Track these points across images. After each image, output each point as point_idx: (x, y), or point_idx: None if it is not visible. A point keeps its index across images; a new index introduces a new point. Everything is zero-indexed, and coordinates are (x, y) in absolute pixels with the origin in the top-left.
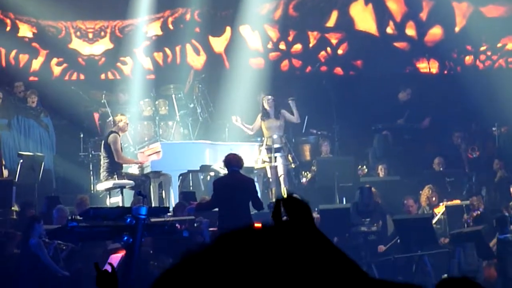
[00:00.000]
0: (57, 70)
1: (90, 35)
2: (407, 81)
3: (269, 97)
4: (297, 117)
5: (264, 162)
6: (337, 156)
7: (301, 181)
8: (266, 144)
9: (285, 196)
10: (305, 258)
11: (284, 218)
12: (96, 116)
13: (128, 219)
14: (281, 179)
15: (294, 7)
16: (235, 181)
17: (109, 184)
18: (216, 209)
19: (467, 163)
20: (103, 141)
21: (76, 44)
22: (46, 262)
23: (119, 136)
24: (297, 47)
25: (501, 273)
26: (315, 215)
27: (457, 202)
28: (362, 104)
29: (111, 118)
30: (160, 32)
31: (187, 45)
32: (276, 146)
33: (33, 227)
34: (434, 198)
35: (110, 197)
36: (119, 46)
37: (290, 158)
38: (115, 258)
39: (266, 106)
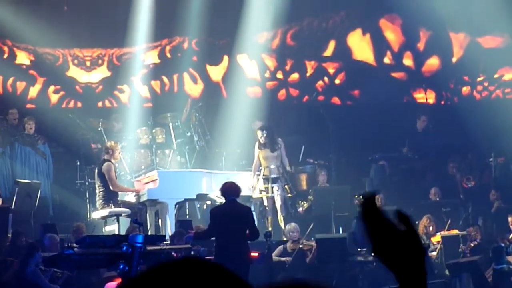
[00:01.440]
0: (54, 98)
1: (88, 63)
2: (404, 111)
3: (264, 132)
4: (285, 159)
5: (261, 191)
6: (334, 185)
7: (298, 210)
8: (263, 174)
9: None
10: None
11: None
12: (94, 146)
13: (124, 247)
14: (278, 207)
15: (291, 36)
16: (232, 209)
17: (105, 212)
18: (213, 238)
19: (463, 193)
20: (96, 170)
21: (74, 71)
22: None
23: (113, 164)
24: (294, 76)
25: None
26: (312, 243)
27: (454, 232)
28: (359, 133)
29: (100, 144)
30: (157, 60)
31: (184, 74)
32: (273, 176)
33: (33, 255)
34: (431, 228)
35: (106, 225)
36: (117, 74)
37: (287, 188)
38: (111, 286)
39: (260, 139)
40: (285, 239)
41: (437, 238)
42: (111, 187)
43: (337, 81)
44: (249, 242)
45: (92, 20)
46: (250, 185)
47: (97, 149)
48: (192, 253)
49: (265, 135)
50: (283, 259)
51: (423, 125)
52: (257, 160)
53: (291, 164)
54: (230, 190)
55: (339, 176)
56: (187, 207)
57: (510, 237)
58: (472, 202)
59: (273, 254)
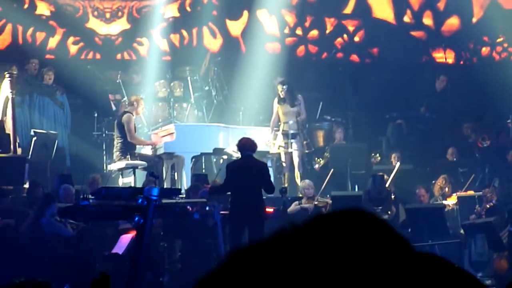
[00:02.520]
0: (73, 49)
1: (108, 15)
2: (423, 70)
3: (284, 86)
4: (304, 114)
5: (280, 147)
6: (350, 143)
7: (314, 167)
8: (282, 130)
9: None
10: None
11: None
12: (111, 96)
13: (140, 200)
14: (295, 164)
15: None
16: (249, 165)
17: (122, 164)
18: (229, 193)
19: (478, 152)
20: (116, 121)
21: (93, 23)
22: (62, 232)
23: (133, 116)
24: (314, 33)
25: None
26: (328, 200)
27: (470, 193)
28: (377, 92)
29: (125, 98)
30: (177, 14)
31: (204, 28)
32: (292, 131)
33: (49, 206)
34: (447, 189)
35: (122, 177)
36: (136, 27)
37: (305, 143)
38: (126, 238)
39: (280, 94)
40: (300, 195)
41: (453, 198)
42: (128, 139)
43: (356, 39)
44: (264, 197)
45: None
46: (268, 141)
47: (115, 100)
48: (208, 208)
49: (285, 89)
50: (304, 205)
51: (442, 85)
52: (275, 116)
53: (309, 120)
54: (246, 145)
55: (356, 133)
56: (203, 161)
57: None
58: (489, 163)
59: (289, 209)
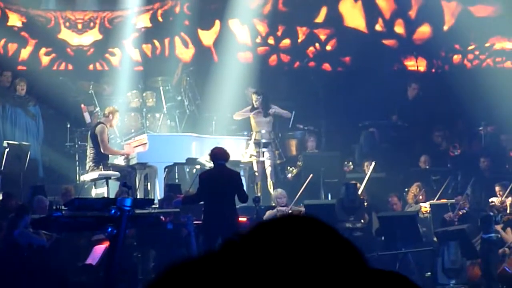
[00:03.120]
0: (45, 60)
1: (79, 26)
2: (395, 78)
3: (258, 96)
4: (287, 112)
5: (251, 156)
6: (323, 151)
7: (287, 176)
8: (254, 139)
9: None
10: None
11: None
12: (85, 108)
13: (113, 210)
14: (268, 173)
15: (283, 2)
16: (221, 174)
17: (95, 174)
18: (202, 202)
19: (450, 161)
20: (89, 132)
21: (65, 34)
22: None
23: (107, 127)
24: (286, 42)
25: (485, 272)
26: (301, 209)
27: (442, 201)
28: (349, 100)
29: (98, 109)
30: (149, 24)
31: (176, 38)
32: (264, 141)
33: (22, 217)
34: (421, 196)
35: (95, 188)
36: (108, 37)
37: (277, 153)
38: (99, 249)
39: (254, 103)
40: (273, 204)
41: (426, 206)
42: (102, 150)
43: (328, 48)
44: (237, 207)
45: None
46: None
47: (88, 112)
48: (182, 220)
49: (260, 99)
50: (281, 208)
51: (414, 93)
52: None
53: (280, 130)
54: (219, 154)
55: (329, 142)
56: (176, 171)
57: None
58: (461, 170)
59: (265, 216)
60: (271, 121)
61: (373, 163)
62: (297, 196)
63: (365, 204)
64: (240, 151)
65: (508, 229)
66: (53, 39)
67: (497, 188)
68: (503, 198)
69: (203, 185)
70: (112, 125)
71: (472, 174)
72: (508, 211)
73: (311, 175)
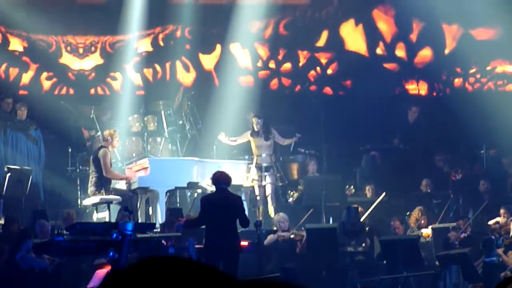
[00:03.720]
0: (47, 84)
1: (81, 50)
2: (397, 102)
3: (259, 120)
4: (286, 141)
5: (253, 180)
6: (324, 175)
7: (288, 200)
8: (256, 163)
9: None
10: None
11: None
12: (86, 132)
13: (114, 235)
14: (269, 198)
15: (284, 26)
16: (223, 198)
17: (96, 199)
18: (203, 226)
19: (451, 185)
20: (92, 156)
21: (67, 58)
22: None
23: (109, 151)
24: (287, 66)
25: None
26: (303, 233)
27: (444, 225)
28: (350, 124)
29: (99, 133)
30: (150, 48)
31: (177, 62)
32: (265, 165)
33: (24, 242)
34: (423, 221)
35: (97, 212)
36: (109, 62)
37: (278, 176)
38: (101, 273)
39: (255, 127)
40: (275, 228)
41: (428, 230)
42: (104, 173)
43: (329, 71)
44: (239, 231)
45: (86, 7)
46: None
47: (89, 136)
48: (182, 243)
49: (261, 123)
50: (281, 234)
51: (414, 116)
52: (243, 141)
53: (282, 154)
54: (220, 178)
55: (330, 166)
56: (178, 195)
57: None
58: (463, 194)
59: (266, 240)
60: (272, 145)
61: (384, 194)
62: (300, 223)
63: (367, 228)
64: (241, 175)
65: (510, 252)
66: (54, 63)
67: (502, 211)
68: (507, 221)
69: (204, 209)
70: (114, 145)
71: (473, 198)
72: (510, 235)
73: (312, 209)
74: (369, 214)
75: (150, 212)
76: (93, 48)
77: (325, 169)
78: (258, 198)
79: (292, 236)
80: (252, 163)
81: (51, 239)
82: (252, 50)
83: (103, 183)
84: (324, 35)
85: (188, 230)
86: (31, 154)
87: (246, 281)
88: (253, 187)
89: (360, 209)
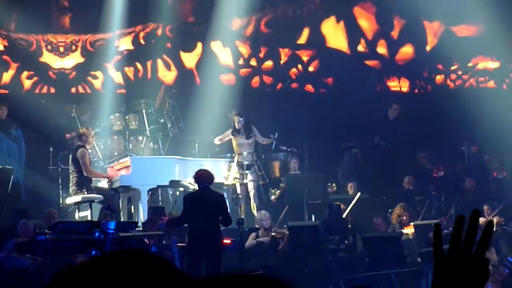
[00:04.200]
0: (27, 83)
1: (61, 49)
2: (379, 99)
3: (240, 118)
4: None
5: (234, 178)
6: (306, 173)
7: (270, 198)
8: (237, 161)
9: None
10: None
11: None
12: (68, 135)
13: (97, 233)
14: (251, 195)
15: (265, 23)
16: (206, 196)
17: (78, 198)
18: (186, 225)
19: (433, 182)
20: (70, 155)
21: (47, 57)
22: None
23: (87, 150)
24: (268, 63)
25: None
26: (285, 231)
27: (426, 221)
28: (332, 121)
29: (74, 132)
30: (131, 47)
31: (158, 60)
32: (246, 163)
33: (5, 241)
34: (405, 217)
35: (79, 211)
36: (90, 60)
37: (260, 174)
38: None
39: (236, 125)
40: (257, 226)
41: (410, 227)
42: (84, 173)
43: (310, 69)
44: (221, 229)
45: (66, 6)
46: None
47: (71, 138)
48: (164, 242)
49: (242, 122)
50: (260, 239)
51: (395, 113)
52: (225, 140)
53: (263, 152)
54: (203, 177)
55: (312, 163)
56: (160, 193)
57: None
58: (445, 190)
59: (246, 243)
60: (253, 143)
61: (359, 194)
62: (278, 220)
63: (349, 225)
64: (223, 173)
65: (492, 248)
66: (35, 62)
67: (485, 207)
68: (489, 218)
69: (187, 207)
70: (90, 142)
71: (455, 195)
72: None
73: (287, 206)
74: (349, 211)
75: (132, 211)
76: (73, 47)
77: (307, 167)
78: (240, 196)
79: (273, 234)
80: (233, 161)
81: (34, 238)
82: (233, 48)
83: (84, 182)
84: (306, 32)
85: (170, 229)
86: (12, 153)
87: (203, 280)
88: (234, 185)
89: (342, 206)
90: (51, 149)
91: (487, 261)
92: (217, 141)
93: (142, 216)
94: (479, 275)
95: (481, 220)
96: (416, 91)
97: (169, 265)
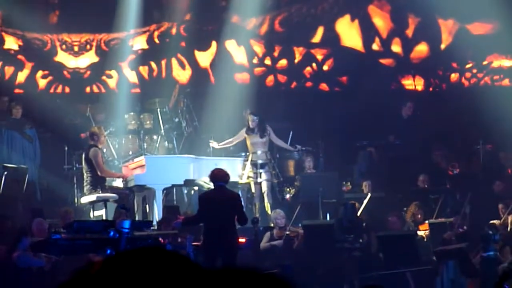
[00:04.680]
0: (42, 83)
1: (76, 48)
2: (393, 98)
3: (254, 117)
4: (281, 143)
5: (249, 177)
6: (321, 172)
7: (285, 197)
8: (251, 160)
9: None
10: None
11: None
12: (83, 135)
13: (112, 233)
14: (265, 195)
15: (280, 22)
16: (221, 196)
17: (93, 197)
18: (201, 224)
19: (448, 180)
20: (83, 155)
21: (62, 57)
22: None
23: (99, 149)
24: (283, 62)
25: None
26: (299, 230)
27: (441, 220)
28: (347, 120)
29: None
30: (146, 46)
31: (172, 59)
32: (260, 162)
33: (20, 240)
34: (419, 216)
35: (93, 210)
36: (105, 60)
37: (273, 173)
38: None
39: (250, 124)
40: (272, 225)
41: (425, 225)
42: (98, 173)
43: (325, 68)
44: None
45: (81, 5)
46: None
47: (86, 137)
48: (179, 240)
49: (256, 120)
50: (273, 243)
51: (409, 112)
52: (236, 138)
53: (278, 151)
54: (219, 176)
55: (327, 162)
56: (174, 193)
57: (498, 223)
58: (460, 189)
59: (262, 242)
60: (267, 142)
61: (369, 195)
62: (292, 219)
63: (364, 224)
64: (238, 172)
65: (507, 248)
66: (49, 62)
67: (500, 206)
68: (504, 216)
69: (203, 206)
70: (102, 141)
71: (471, 193)
72: (508, 229)
73: (300, 205)
74: (363, 210)
75: (147, 210)
76: (88, 46)
77: (322, 166)
78: (254, 195)
79: (287, 232)
80: (247, 160)
81: (49, 237)
82: (248, 47)
83: (98, 182)
84: (320, 31)
85: (185, 228)
86: (26, 153)
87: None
88: (249, 184)
89: (357, 205)
90: (66, 149)
91: None
92: (227, 144)
93: (156, 215)
94: None
95: (497, 222)
96: (430, 89)
97: (191, 262)
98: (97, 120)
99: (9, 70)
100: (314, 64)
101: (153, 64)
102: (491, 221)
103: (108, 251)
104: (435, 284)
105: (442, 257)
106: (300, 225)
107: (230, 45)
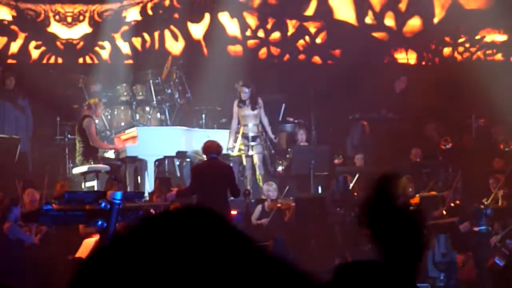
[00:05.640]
0: (35, 54)
1: (69, 19)
2: (385, 71)
3: (246, 89)
4: (266, 121)
5: (240, 150)
6: (313, 145)
7: (277, 169)
8: (242, 132)
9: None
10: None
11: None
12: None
13: (103, 204)
14: (257, 167)
15: None
16: (214, 168)
17: (85, 168)
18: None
19: (441, 154)
20: (77, 125)
21: (55, 27)
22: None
23: (93, 120)
24: (276, 35)
25: (476, 265)
26: (291, 202)
27: (432, 193)
28: (339, 93)
29: (86, 102)
30: (139, 18)
31: (165, 31)
32: (252, 134)
33: (11, 210)
34: (410, 189)
35: (85, 181)
36: (98, 31)
37: (265, 145)
38: (89, 242)
39: (242, 96)
40: (263, 197)
41: (415, 199)
42: (91, 143)
43: (318, 41)
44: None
45: None
46: (228, 145)
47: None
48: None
49: (248, 93)
50: (260, 222)
51: (402, 85)
52: (235, 119)
53: (270, 123)
54: (211, 148)
55: (319, 135)
56: (166, 164)
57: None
58: (452, 163)
59: (252, 216)
60: (259, 114)
61: (357, 175)
62: (284, 192)
63: (356, 197)
64: (230, 144)
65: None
66: (43, 32)
67: (491, 181)
68: (495, 191)
69: (196, 178)
70: (98, 114)
71: (463, 167)
72: (499, 204)
73: (288, 186)
74: (356, 183)
75: (139, 181)
76: (81, 17)
77: (314, 139)
78: (246, 167)
79: (279, 205)
80: (238, 133)
81: (40, 208)
82: (241, 19)
83: (90, 152)
84: (313, 3)
85: (177, 200)
86: (19, 124)
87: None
88: (240, 156)
89: (349, 178)
90: (58, 119)
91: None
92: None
93: (148, 186)
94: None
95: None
96: (423, 63)
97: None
98: (89, 91)
99: (2, 41)
100: (307, 37)
101: (146, 36)
102: (483, 200)
103: (100, 222)
104: (426, 258)
105: (433, 231)
106: (291, 197)
107: (223, 17)
